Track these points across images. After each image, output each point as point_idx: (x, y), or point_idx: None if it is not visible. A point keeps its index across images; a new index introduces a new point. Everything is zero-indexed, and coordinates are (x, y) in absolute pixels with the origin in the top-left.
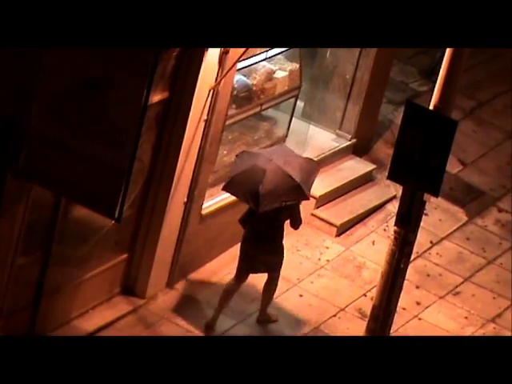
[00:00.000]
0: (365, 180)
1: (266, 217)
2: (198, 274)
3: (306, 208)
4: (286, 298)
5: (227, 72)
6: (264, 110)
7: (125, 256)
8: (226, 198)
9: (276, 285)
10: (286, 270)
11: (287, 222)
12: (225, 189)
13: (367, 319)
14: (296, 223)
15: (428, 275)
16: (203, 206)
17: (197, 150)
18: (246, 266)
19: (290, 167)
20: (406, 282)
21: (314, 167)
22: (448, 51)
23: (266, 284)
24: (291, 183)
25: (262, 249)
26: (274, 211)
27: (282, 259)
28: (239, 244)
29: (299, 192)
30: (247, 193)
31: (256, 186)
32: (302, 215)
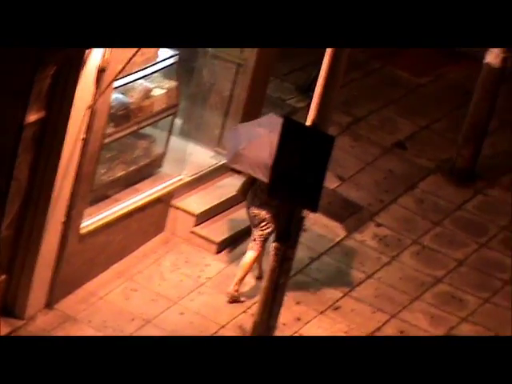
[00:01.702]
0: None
1: None
2: (77, 294)
3: (185, 226)
4: (166, 316)
5: (104, 90)
6: (142, 128)
7: (3, 277)
8: (105, 216)
9: None
10: (166, 289)
11: None
12: (230, 163)
13: (248, 335)
14: None
15: (308, 290)
16: (82, 225)
17: (75, 169)
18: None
19: None
20: (286, 297)
21: None
22: (324, 68)
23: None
24: None
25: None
26: None
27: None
28: (120, 262)
29: None
30: (255, 165)
31: (265, 158)
32: (182, 233)
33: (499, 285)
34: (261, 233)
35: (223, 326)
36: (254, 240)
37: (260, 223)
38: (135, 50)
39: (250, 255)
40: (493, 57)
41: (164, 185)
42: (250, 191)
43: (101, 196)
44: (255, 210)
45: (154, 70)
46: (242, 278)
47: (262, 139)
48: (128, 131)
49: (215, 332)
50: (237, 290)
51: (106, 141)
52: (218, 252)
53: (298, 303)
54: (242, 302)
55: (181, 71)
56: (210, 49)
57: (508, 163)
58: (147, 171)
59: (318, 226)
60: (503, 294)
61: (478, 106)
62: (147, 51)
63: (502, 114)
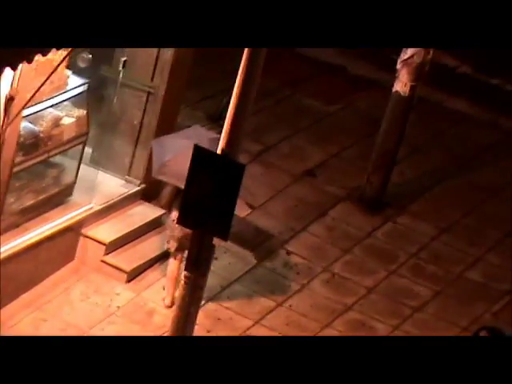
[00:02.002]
0: (154, 225)
1: None
2: None
3: (95, 254)
4: None
5: (13, 119)
6: (51, 156)
7: None
8: (15, 246)
9: None
10: (76, 318)
11: None
12: (156, 175)
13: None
14: None
15: (219, 319)
16: None
17: None
18: None
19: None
20: (196, 326)
21: None
22: (234, 96)
23: None
24: None
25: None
26: None
27: None
28: (29, 292)
29: None
30: (181, 177)
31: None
32: (92, 262)
33: (409, 312)
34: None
35: None
36: (176, 249)
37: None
38: (44, 78)
39: (174, 262)
40: (401, 85)
41: (74, 213)
42: (174, 203)
43: (10, 225)
44: None
45: (63, 99)
46: (174, 288)
47: (187, 151)
48: (37, 160)
49: None
50: (172, 302)
51: (15, 170)
52: (129, 281)
53: (208, 331)
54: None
55: (91, 99)
56: (120, 77)
57: (417, 191)
58: (57, 200)
59: (228, 254)
60: (413, 322)
61: (386, 134)
62: (57, 80)
63: (410, 141)
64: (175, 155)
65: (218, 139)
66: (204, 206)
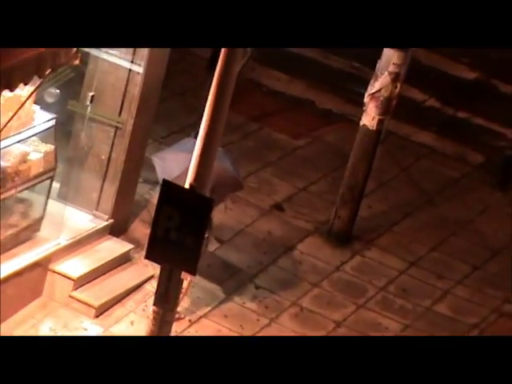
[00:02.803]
0: (123, 260)
1: None
2: None
3: (63, 290)
4: None
5: None
6: (19, 192)
7: None
8: None
9: None
10: None
11: None
12: None
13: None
14: None
15: None
16: None
17: None
18: None
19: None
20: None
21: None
22: (202, 130)
23: None
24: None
25: None
26: None
27: None
28: None
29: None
30: None
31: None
32: (60, 297)
33: None
34: None
35: None
36: None
37: None
38: (11, 113)
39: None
40: (369, 119)
41: (42, 249)
42: None
43: None
44: None
45: (30, 134)
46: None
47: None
48: (4, 195)
49: None
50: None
51: None
52: (97, 316)
53: None
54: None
55: (58, 134)
56: (88, 112)
57: (385, 224)
58: (25, 235)
59: (197, 288)
60: None
61: (354, 168)
62: (24, 115)
63: (378, 175)
64: (183, 170)
65: (220, 151)
66: (172, 241)
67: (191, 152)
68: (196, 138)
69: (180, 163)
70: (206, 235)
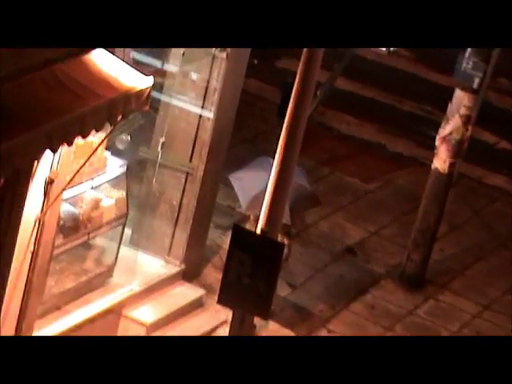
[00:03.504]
0: (195, 305)
1: None
2: None
3: (137, 336)
4: None
5: (53, 202)
6: (91, 238)
7: None
8: (56, 329)
9: None
10: None
11: None
12: (248, 210)
13: None
14: None
15: None
16: None
17: (24, 282)
18: None
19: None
20: None
21: None
22: (273, 176)
23: None
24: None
25: None
26: None
27: None
28: None
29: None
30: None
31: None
32: None
33: None
34: None
35: None
36: None
37: None
38: (83, 160)
39: None
40: (440, 162)
41: (115, 295)
42: None
43: (51, 308)
44: None
45: (102, 181)
46: None
47: None
48: (77, 242)
49: None
50: None
51: (56, 252)
52: None
53: None
54: None
55: (129, 181)
56: (159, 158)
57: (457, 267)
58: (98, 282)
59: (269, 332)
60: None
61: (426, 211)
62: (96, 161)
63: (450, 218)
64: (261, 189)
65: (297, 170)
66: (244, 285)
67: (268, 170)
68: (267, 183)
69: (257, 182)
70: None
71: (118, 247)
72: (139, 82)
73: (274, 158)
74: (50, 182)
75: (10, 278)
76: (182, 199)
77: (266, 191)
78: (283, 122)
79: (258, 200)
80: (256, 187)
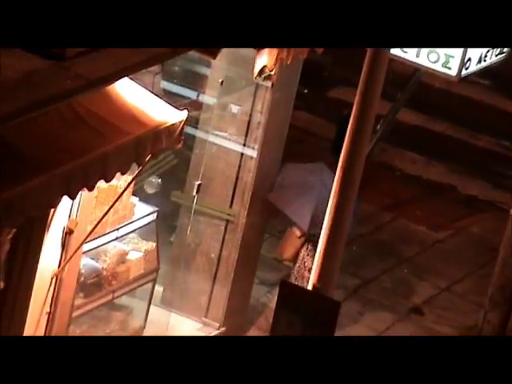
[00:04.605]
0: None
1: None
2: None
3: None
4: None
5: (72, 255)
6: (117, 297)
7: None
8: None
9: None
10: None
11: None
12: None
13: None
14: None
15: None
16: None
17: None
18: None
19: None
20: None
21: None
22: (327, 221)
23: None
24: None
25: None
26: None
27: None
28: None
29: None
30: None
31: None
32: None
33: None
34: None
35: None
36: None
37: None
38: (107, 207)
39: None
40: None
41: None
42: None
43: None
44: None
45: (129, 230)
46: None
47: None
48: (101, 302)
49: None
50: None
51: (76, 314)
52: None
53: None
54: None
55: (161, 230)
56: (194, 204)
57: None
58: None
59: None
60: None
61: (505, 263)
62: (121, 208)
63: None
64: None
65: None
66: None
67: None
68: (319, 234)
69: (308, 196)
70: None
71: (148, 308)
72: (171, 116)
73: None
74: (68, 233)
75: None
76: (221, 251)
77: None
78: (338, 160)
79: (316, 217)
80: (310, 202)
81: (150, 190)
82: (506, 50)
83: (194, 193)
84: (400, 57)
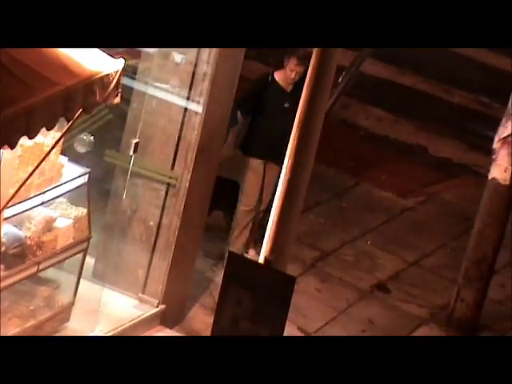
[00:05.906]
0: None
1: None
2: None
3: None
4: None
5: None
6: (42, 270)
7: None
8: None
9: None
10: None
11: None
12: None
13: None
14: None
15: None
16: None
17: None
18: None
19: None
20: None
21: None
22: (282, 183)
23: None
24: None
25: None
26: None
27: None
28: None
29: None
30: None
31: None
32: None
33: None
34: None
35: None
36: None
37: None
38: (32, 167)
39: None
40: (499, 170)
41: None
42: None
43: None
44: None
45: (57, 194)
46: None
47: None
48: (24, 275)
49: None
50: None
51: None
52: None
53: None
54: None
55: (92, 195)
56: (131, 165)
57: None
58: (50, 327)
59: None
60: None
61: (481, 235)
62: (48, 170)
63: None
64: None
65: None
66: (242, 332)
67: None
68: (274, 193)
69: None
70: None
71: (78, 282)
72: (105, 65)
73: None
74: None
75: None
76: (161, 218)
77: None
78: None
79: None
80: None
81: (81, 149)
82: None
83: (131, 152)
84: None
